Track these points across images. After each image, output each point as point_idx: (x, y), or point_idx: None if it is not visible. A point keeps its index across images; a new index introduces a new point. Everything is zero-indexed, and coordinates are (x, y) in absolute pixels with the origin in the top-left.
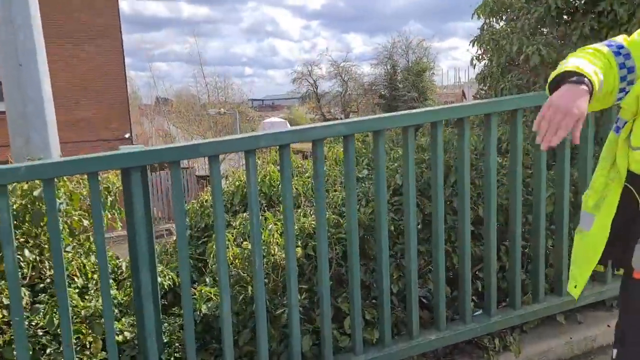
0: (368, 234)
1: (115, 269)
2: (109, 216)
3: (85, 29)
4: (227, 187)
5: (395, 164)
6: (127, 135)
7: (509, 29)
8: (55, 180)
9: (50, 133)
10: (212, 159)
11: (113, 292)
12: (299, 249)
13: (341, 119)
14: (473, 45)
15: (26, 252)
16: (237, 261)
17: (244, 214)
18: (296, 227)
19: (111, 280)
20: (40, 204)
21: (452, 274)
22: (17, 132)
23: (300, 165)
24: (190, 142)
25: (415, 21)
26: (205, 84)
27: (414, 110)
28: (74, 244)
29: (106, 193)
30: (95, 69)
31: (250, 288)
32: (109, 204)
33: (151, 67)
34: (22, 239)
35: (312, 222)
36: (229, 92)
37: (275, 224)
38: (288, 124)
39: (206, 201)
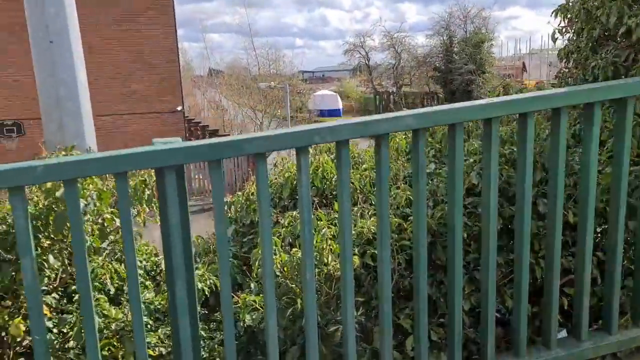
0: (436, 240)
1: (155, 268)
2: (147, 211)
3: (137, 1)
4: (275, 179)
5: (471, 159)
6: (179, 108)
7: None
8: (80, 179)
9: (84, 119)
10: (258, 157)
11: (149, 295)
12: (355, 258)
13: (393, 91)
14: (556, 16)
15: (51, 258)
16: (285, 269)
17: (294, 213)
18: (353, 232)
19: (148, 283)
20: (65, 205)
21: (531, 287)
22: (49, 117)
23: (356, 154)
24: (233, 137)
25: None
26: (255, 57)
27: (499, 99)
28: (106, 246)
29: (143, 186)
30: (148, 42)
31: (299, 301)
32: (145, 198)
33: (205, 38)
34: (47, 243)
35: (372, 225)
36: (279, 65)
37: (329, 227)
38: (339, 97)
39: (252, 194)
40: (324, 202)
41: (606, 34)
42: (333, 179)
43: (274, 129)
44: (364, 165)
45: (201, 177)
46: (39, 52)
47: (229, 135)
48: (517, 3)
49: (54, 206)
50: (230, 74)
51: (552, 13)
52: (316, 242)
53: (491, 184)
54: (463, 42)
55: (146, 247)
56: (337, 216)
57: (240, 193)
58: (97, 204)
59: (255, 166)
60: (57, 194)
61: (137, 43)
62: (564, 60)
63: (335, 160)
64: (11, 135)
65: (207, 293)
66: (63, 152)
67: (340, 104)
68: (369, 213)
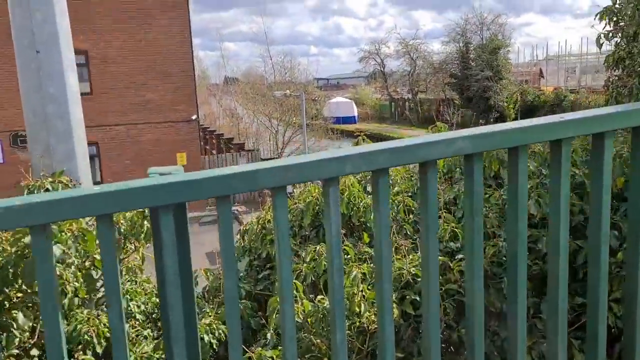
0: (489, 283)
1: (156, 310)
2: (146, 246)
3: (152, 8)
4: (295, 204)
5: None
6: (193, 117)
7: None
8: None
9: (76, 138)
10: (276, 192)
11: (148, 349)
12: (394, 309)
13: (409, 98)
14: (601, 19)
15: (20, 316)
16: (309, 321)
17: (317, 247)
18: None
19: (148, 332)
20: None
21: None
22: (35, 137)
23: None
24: (245, 167)
25: None
26: (271, 65)
27: (571, 116)
28: (92, 296)
29: (139, 218)
30: (163, 51)
31: None
32: (144, 232)
33: (221, 46)
34: (17, 296)
35: (411, 265)
36: (295, 72)
37: (358, 265)
38: (354, 104)
39: (268, 222)
40: (353, 230)
41: None
42: (361, 204)
43: (295, 156)
44: (395, 188)
45: None
46: (24, 64)
47: (243, 144)
48: (531, 10)
49: (22, 254)
50: (246, 82)
51: (597, 16)
52: (345, 285)
53: (561, 216)
54: (479, 48)
55: (147, 284)
56: (366, 250)
57: (254, 220)
58: (80, 247)
59: (272, 200)
60: (26, 239)
61: (151, 52)
62: (612, 68)
63: (372, 193)
64: (25, 146)
65: (215, 347)
66: (49, 179)
67: (355, 111)
68: (406, 248)
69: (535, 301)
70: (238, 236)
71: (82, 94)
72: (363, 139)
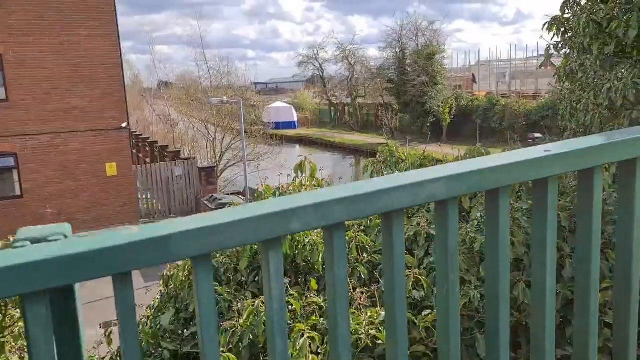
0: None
1: None
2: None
3: (77, 11)
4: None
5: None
6: (124, 125)
7: (615, 6)
8: None
9: None
10: (197, 262)
11: None
12: None
13: (348, 103)
14: (549, 30)
15: None
16: None
17: (257, 302)
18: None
19: None
20: None
21: None
22: None
23: None
24: (153, 229)
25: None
26: (207, 69)
27: (560, 149)
28: None
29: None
30: (88, 55)
31: None
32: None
33: (152, 49)
34: None
35: (369, 326)
36: (232, 77)
37: (306, 325)
38: (293, 110)
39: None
40: (296, 275)
41: (622, 50)
42: (307, 242)
43: (226, 209)
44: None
45: (149, 195)
46: None
47: (179, 151)
48: (462, 16)
49: None
50: (181, 86)
51: (544, 26)
52: (291, 355)
53: (547, 265)
54: (415, 54)
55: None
56: (315, 300)
57: (180, 263)
58: None
59: (193, 272)
60: None
61: (75, 56)
62: (563, 80)
63: (325, 252)
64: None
65: None
66: None
67: (295, 116)
68: (362, 298)
69: (512, 356)
70: (161, 282)
71: None
72: (307, 161)
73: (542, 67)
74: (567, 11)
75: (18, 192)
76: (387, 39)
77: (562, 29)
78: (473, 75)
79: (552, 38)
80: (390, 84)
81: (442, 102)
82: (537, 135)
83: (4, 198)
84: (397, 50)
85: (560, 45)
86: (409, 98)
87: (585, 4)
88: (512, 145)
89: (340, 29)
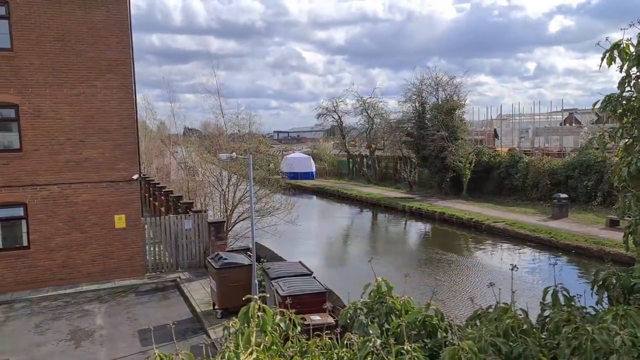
0: None
1: None
2: None
3: (94, 63)
4: None
5: None
6: (135, 177)
7: None
8: None
9: None
10: None
11: None
12: None
13: (366, 155)
14: (603, 110)
15: None
16: None
17: None
18: None
19: None
20: None
21: None
22: None
23: None
24: None
25: (440, 57)
26: (223, 122)
27: None
28: None
29: None
30: (103, 106)
31: None
32: None
33: (171, 97)
34: None
35: None
36: (251, 127)
37: None
38: (312, 160)
39: None
40: None
41: None
42: None
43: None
44: None
45: (157, 249)
46: None
47: (192, 203)
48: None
49: None
50: (205, 134)
51: (595, 105)
52: None
53: None
54: (435, 109)
55: None
56: None
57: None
58: None
59: None
60: None
61: (91, 107)
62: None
63: None
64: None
65: None
66: None
67: (313, 167)
68: None
69: None
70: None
71: (10, 151)
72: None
73: (601, 152)
74: (628, 88)
75: (25, 243)
76: (406, 92)
77: (620, 110)
78: (495, 130)
79: (605, 121)
80: (409, 137)
81: (462, 157)
82: (563, 195)
83: (11, 249)
84: (417, 104)
85: (620, 133)
86: (428, 152)
87: None
88: (538, 207)
89: (361, 81)
